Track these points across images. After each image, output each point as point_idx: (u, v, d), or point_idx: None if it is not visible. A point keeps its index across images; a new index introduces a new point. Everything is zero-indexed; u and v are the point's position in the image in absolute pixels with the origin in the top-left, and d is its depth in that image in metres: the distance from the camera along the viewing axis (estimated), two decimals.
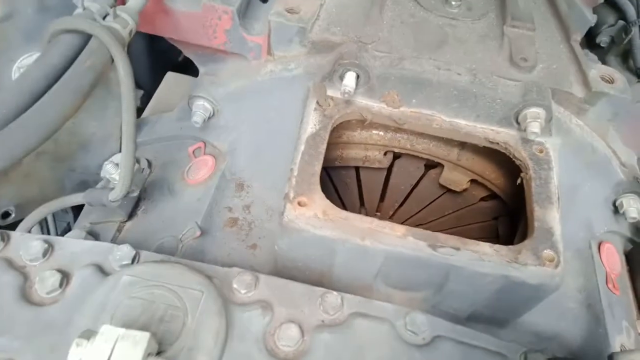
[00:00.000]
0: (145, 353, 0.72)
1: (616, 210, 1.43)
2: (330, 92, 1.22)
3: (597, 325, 1.26)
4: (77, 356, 0.71)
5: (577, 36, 1.35)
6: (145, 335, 0.73)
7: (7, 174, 1.21)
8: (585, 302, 1.30)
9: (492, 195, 1.57)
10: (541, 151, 1.21)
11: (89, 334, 0.73)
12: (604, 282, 1.33)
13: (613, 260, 1.40)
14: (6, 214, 1.25)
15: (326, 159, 1.51)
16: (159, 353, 0.78)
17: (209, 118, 1.38)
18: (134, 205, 1.29)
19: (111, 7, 1.03)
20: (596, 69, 1.30)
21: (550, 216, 1.11)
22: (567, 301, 1.29)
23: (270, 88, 1.34)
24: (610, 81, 1.28)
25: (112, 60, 1.00)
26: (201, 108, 1.35)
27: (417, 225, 1.76)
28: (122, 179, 1.07)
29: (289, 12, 1.27)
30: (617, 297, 1.34)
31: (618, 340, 1.25)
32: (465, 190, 1.60)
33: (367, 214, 1.73)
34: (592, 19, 1.64)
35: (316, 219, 1.03)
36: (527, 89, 1.20)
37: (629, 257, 1.47)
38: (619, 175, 1.41)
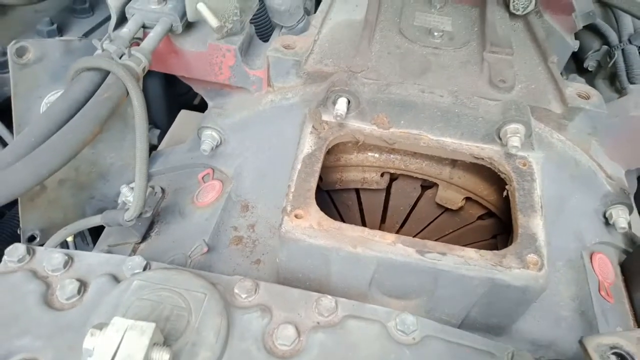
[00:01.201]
0: (151, 341, 0.80)
1: (607, 221, 1.48)
2: (325, 117, 1.33)
3: (591, 331, 1.29)
4: (91, 344, 0.80)
5: (554, 58, 1.45)
6: (151, 325, 0.81)
7: (33, 200, 1.34)
8: (578, 309, 1.33)
9: (490, 214, 1.64)
10: (524, 164, 1.29)
11: (101, 326, 0.81)
12: (597, 290, 1.36)
13: (606, 270, 1.43)
14: (32, 238, 1.37)
15: (327, 183, 1.62)
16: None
17: (217, 146, 1.50)
18: (148, 227, 1.40)
19: (127, 48, 1.18)
20: (572, 87, 1.39)
21: (533, 223, 1.18)
22: (560, 309, 1.33)
23: (271, 116, 1.46)
24: (586, 97, 1.37)
25: (128, 94, 1.14)
26: (209, 137, 1.48)
27: None
28: (136, 199, 1.18)
29: (285, 47, 1.41)
30: (611, 305, 1.37)
31: None
32: (461, 208, 1.67)
33: None
34: (574, 45, 1.75)
35: (311, 229, 1.11)
36: (507, 107, 1.29)
37: (624, 267, 1.50)
38: (605, 187, 1.46)
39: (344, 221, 1.79)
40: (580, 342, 0.84)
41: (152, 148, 2.00)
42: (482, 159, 1.31)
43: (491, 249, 1.67)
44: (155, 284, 0.97)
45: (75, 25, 1.81)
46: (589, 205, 1.46)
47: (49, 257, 1.05)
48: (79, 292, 1.00)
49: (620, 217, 1.43)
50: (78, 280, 1.02)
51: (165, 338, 0.89)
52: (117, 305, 0.94)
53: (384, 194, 1.75)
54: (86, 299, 1.01)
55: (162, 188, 1.52)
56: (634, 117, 1.40)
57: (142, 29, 1.32)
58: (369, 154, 1.54)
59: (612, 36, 1.96)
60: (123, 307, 0.94)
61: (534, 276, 1.08)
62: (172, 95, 2.29)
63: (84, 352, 0.81)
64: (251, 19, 1.48)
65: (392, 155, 1.54)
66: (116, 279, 1.04)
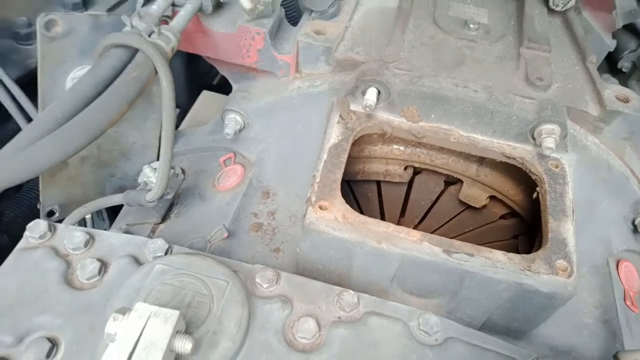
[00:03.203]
0: (174, 329, 0.79)
1: (635, 229, 1.44)
2: (352, 107, 1.30)
3: (614, 341, 1.26)
4: (114, 329, 0.79)
5: (593, 58, 1.40)
6: (176, 312, 0.80)
7: (54, 176, 1.33)
8: (602, 317, 1.30)
9: (512, 213, 1.60)
10: (557, 166, 1.25)
11: (124, 310, 0.80)
12: (622, 299, 1.33)
13: (632, 279, 1.40)
14: (51, 213, 1.36)
15: (348, 173, 1.60)
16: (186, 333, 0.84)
17: (240, 130, 1.48)
18: (168, 209, 1.38)
19: (156, 26, 1.15)
20: (611, 89, 1.34)
21: (564, 228, 1.14)
22: (583, 316, 1.30)
23: (297, 103, 1.43)
24: (625, 100, 1.32)
25: (156, 73, 1.11)
26: (233, 121, 1.45)
27: None
28: (160, 180, 1.16)
29: (316, 33, 1.37)
30: (636, 315, 1.34)
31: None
32: (484, 206, 1.64)
33: None
34: (611, 44, 1.69)
35: (336, 221, 1.09)
36: (542, 107, 1.25)
37: None
38: (637, 194, 1.42)
39: (362, 212, 1.80)
40: (615, 356, 0.82)
41: None
42: (514, 158, 1.28)
43: (511, 250, 1.65)
44: (178, 269, 0.96)
45: None
46: (618, 211, 1.42)
47: (70, 235, 1.04)
48: (99, 272, 0.99)
49: None
50: (99, 260, 1.01)
51: (187, 325, 0.87)
52: (139, 289, 0.93)
53: (406, 188, 1.71)
54: (107, 280, 1.00)
55: (182, 169, 1.51)
56: None
57: (171, 7, 1.29)
58: (394, 146, 1.51)
59: None
60: (145, 291, 0.93)
61: (562, 283, 1.06)
62: (194, 75, 2.26)
63: (106, 337, 0.80)
64: (281, 2, 1.44)
65: (417, 149, 1.50)
66: (137, 261, 1.03)
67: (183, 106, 2.18)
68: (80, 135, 0.96)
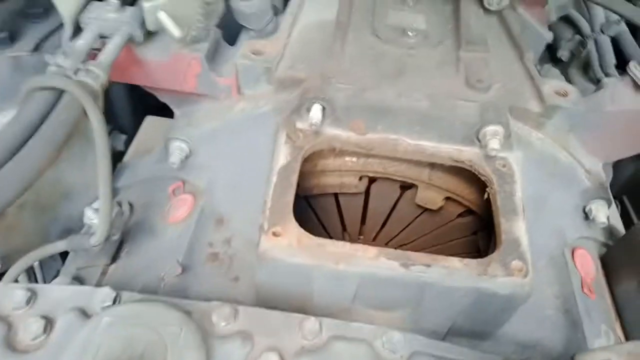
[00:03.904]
0: None
1: (587, 216, 1.48)
2: (299, 125, 1.28)
3: (575, 331, 1.29)
4: None
5: (530, 54, 1.43)
6: None
7: None
8: (562, 308, 1.33)
9: (469, 211, 1.62)
10: (504, 166, 1.26)
11: None
12: (580, 287, 1.36)
13: (587, 265, 1.44)
14: None
15: (304, 188, 1.57)
16: None
17: (186, 158, 1.43)
18: (117, 247, 1.33)
19: (83, 63, 1.10)
20: (549, 84, 1.37)
21: (516, 227, 1.16)
22: (544, 309, 1.32)
23: (243, 126, 1.40)
24: (564, 94, 1.35)
25: (85, 113, 1.06)
26: (177, 149, 1.41)
27: (400, 246, 1.81)
28: (102, 224, 1.11)
29: (254, 53, 1.34)
30: (594, 302, 1.37)
31: (597, 344, 1.28)
32: (441, 208, 1.65)
33: (350, 239, 1.77)
34: (548, 36, 1.73)
35: (290, 247, 1.07)
36: (484, 109, 1.26)
37: (604, 261, 1.50)
38: (584, 182, 1.46)
39: (323, 226, 1.78)
40: (572, 359, 0.83)
41: (119, 155, 1.92)
42: (462, 162, 1.29)
43: (473, 245, 1.67)
44: (127, 320, 0.91)
45: (29, 31, 1.68)
46: (569, 201, 1.46)
47: (10, 294, 0.97)
48: (45, 330, 0.93)
49: (600, 211, 1.43)
50: (43, 317, 0.95)
51: None
52: (87, 346, 0.88)
53: (363, 197, 1.71)
54: (53, 338, 0.94)
55: (130, 203, 1.45)
56: (610, 112, 1.39)
57: (99, 39, 1.23)
58: (347, 158, 1.50)
59: (585, 26, 1.95)
60: (93, 348, 0.87)
61: (519, 283, 1.07)
62: (137, 97, 2.18)
63: None
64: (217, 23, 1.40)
65: (370, 159, 1.49)
66: (85, 314, 0.97)
67: (129, 131, 2.10)
68: (7, 191, 0.90)
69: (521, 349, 1.26)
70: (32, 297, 0.98)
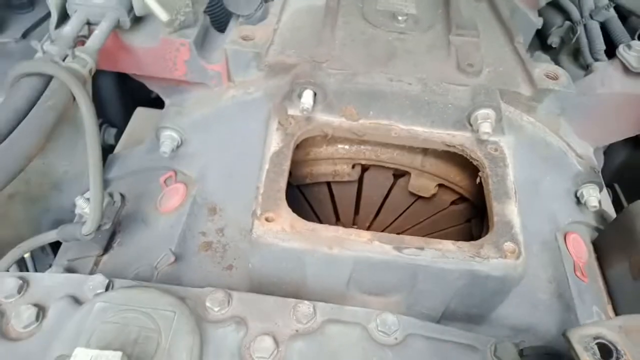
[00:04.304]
0: None
1: (578, 201, 1.48)
2: (290, 111, 1.27)
3: (569, 314, 1.29)
4: None
5: (520, 38, 1.43)
6: (117, 354, 0.75)
7: None
8: (555, 292, 1.33)
9: (462, 199, 1.62)
10: (496, 150, 1.27)
11: (63, 358, 0.75)
12: (572, 271, 1.37)
13: (580, 249, 1.44)
14: None
15: (297, 177, 1.57)
16: None
17: (178, 147, 1.42)
18: (109, 238, 1.31)
19: (70, 49, 1.08)
20: (540, 68, 1.37)
21: (508, 210, 1.16)
22: (538, 293, 1.33)
23: (234, 113, 1.39)
24: (555, 77, 1.35)
25: (74, 99, 1.05)
26: (168, 138, 1.40)
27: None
28: (93, 212, 1.10)
29: (243, 39, 1.33)
30: (586, 285, 1.38)
31: None
32: (434, 195, 1.65)
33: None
34: (537, 22, 1.73)
35: (284, 232, 1.06)
36: (476, 92, 1.26)
37: (596, 245, 1.51)
38: (576, 167, 1.47)
39: (317, 216, 1.78)
40: (564, 335, 0.83)
41: (109, 149, 1.90)
42: (454, 146, 1.29)
43: (466, 233, 1.68)
44: (120, 305, 0.91)
45: (14, 22, 1.65)
46: (560, 186, 1.46)
47: (1, 283, 0.97)
48: (37, 318, 0.93)
49: (592, 195, 1.44)
50: (35, 305, 0.94)
51: None
52: (80, 332, 0.87)
53: (357, 186, 1.71)
54: (46, 326, 0.93)
55: (121, 194, 1.43)
56: (601, 95, 1.40)
57: (86, 26, 1.22)
58: (339, 146, 1.49)
59: (574, 12, 1.95)
60: (86, 333, 0.87)
61: (512, 265, 1.07)
62: (127, 90, 2.16)
63: None
64: (205, 9, 1.39)
65: (362, 147, 1.49)
66: (77, 301, 0.97)
67: (120, 124, 2.09)
68: None
69: (515, 333, 1.26)
70: (23, 286, 0.98)
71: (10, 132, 0.97)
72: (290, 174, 1.36)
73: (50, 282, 1.00)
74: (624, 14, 2.01)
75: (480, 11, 1.60)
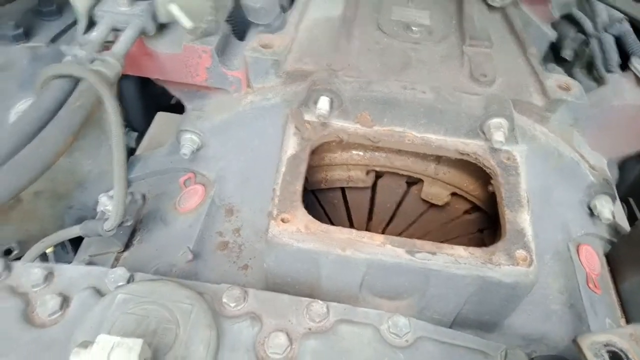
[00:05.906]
0: (139, 358, 0.77)
1: (591, 212, 1.49)
2: (307, 117, 1.31)
3: (580, 325, 1.29)
4: None
5: (533, 49, 1.45)
6: (139, 341, 0.78)
7: (7, 213, 1.29)
8: (567, 302, 1.33)
9: (475, 208, 1.63)
10: (508, 158, 1.28)
11: (86, 344, 0.78)
12: (585, 282, 1.36)
13: (592, 261, 1.44)
14: (8, 251, 1.32)
15: (312, 182, 1.60)
16: None
17: (197, 150, 1.47)
18: (130, 236, 1.36)
19: (97, 53, 1.13)
20: (552, 79, 1.39)
21: (521, 218, 1.17)
22: (550, 303, 1.33)
23: (252, 118, 1.43)
24: (567, 88, 1.37)
25: (101, 101, 1.09)
26: (189, 141, 1.44)
27: None
28: (116, 208, 1.14)
29: (263, 47, 1.38)
30: (599, 297, 1.37)
31: None
32: (447, 204, 1.67)
33: None
34: (551, 34, 1.75)
35: (299, 233, 1.09)
36: (489, 102, 1.29)
37: (609, 257, 1.50)
38: (589, 177, 1.47)
39: (331, 221, 1.80)
40: (575, 341, 0.84)
41: (131, 152, 1.95)
42: (467, 154, 1.31)
43: (478, 243, 1.68)
44: (140, 297, 0.94)
45: (43, 29, 1.72)
46: (573, 196, 1.47)
47: (28, 272, 1.01)
48: (61, 307, 0.97)
49: (605, 207, 1.44)
50: (60, 295, 0.98)
51: (154, 353, 0.86)
52: (102, 321, 0.91)
53: (370, 192, 1.73)
54: (69, 315, 0.97)
55: (142, 194, 1.48)
56: (614, 107, 1.41)
57: (112, 32, 1.27)
58: (354, 152, 1.52)
59: (588, 25, 1.96)
60: (108, 323, 0.90)
61: (523, 272, 1.08)
62: (148, 96, 2.22)
63: None
64: (226, 18, 1.44)
65: (377, 153, 1.52)
66: (99, 292, 1.00)
67: (141, 128, 2.14)
68: (25, 173, 0.94)
69: (527, 342, 1.26)
70: (49, 276, 1.02)
71: (40, 130, 1.02)
72: (306, 179, 1.40)
73: (74, 273, 1.03)
74: (638, 27, 2.01)
75: (494, 23, 1.63)
